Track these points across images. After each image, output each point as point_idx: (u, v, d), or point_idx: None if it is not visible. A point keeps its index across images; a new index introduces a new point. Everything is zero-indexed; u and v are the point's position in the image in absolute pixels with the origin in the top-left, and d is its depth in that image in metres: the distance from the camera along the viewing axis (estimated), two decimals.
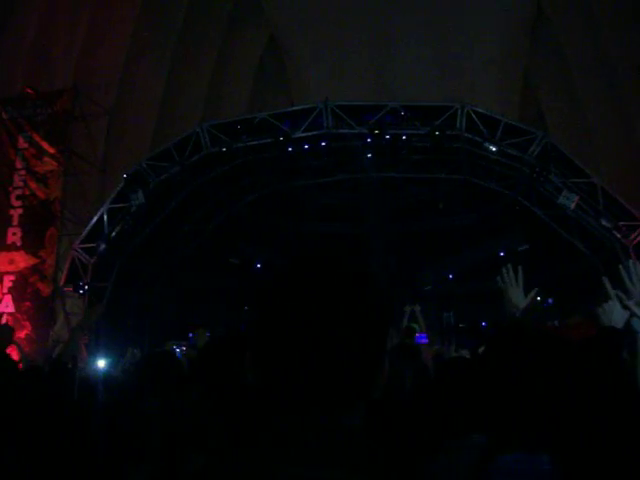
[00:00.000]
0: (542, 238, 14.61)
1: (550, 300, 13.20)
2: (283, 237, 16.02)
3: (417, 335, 9.67)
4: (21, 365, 4.98)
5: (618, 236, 13.06)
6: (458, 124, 13.17)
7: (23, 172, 15.25)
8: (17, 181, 15.31)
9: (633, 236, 12.80)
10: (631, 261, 2.75)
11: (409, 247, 15.25)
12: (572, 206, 13.20)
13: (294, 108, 13.78)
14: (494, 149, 13.28)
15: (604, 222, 13.07)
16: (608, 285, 2.62)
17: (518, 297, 3.05)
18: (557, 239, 14.11)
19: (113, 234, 13.78)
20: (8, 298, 14.72)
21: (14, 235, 15.08)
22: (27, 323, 14.41)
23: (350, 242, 15.24)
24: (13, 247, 15.00)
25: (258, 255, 16.41)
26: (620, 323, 2.41)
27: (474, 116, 13.06)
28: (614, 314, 2.44)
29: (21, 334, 13.72)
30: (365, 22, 14.89)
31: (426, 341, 7.09)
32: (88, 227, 13.87)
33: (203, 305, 15.47)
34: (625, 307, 2.49)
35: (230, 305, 15.23)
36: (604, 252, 13.60)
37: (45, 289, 14.53)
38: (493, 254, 15.23)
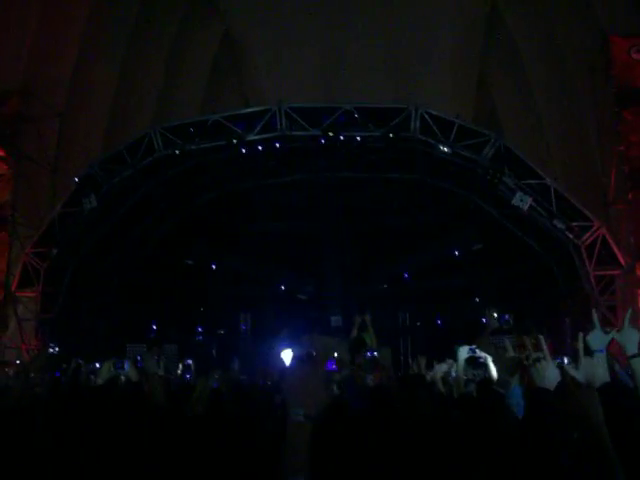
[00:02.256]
0: (496, 237, 14.69)
1: (506, 316, 13.14)
2: (238, 238, 15.93)
3: (368, 351, 9.54)
4: None
5: (571, 237, 13.16)
6: (412, 126, 13.13)
7: None
8: None
9: (585, 237, 12.90)
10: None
11: (364, 246, 15.26)
12: (526, 208, 13.28)
13: (247, 110, 13.65)
14: (448, 151, 13.27)
15: (557, 223, 13.16)
16: (544, 345, 2.62)
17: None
18: (511, 238, 14.18)
19: (66, 238, 13.58)
20: None
21: None
22: None
23: (305, 242, 15.22)
24: None
25: (213, 256, 16.32)
26: (552, 384, 2.42)
27: (428, 118, 13.01)
28: (547, 375, 2.44)
29: None
30: (320, 22, 14.78)
31: (336, 368, 7.01)
32: (40, 231, 13.66)
33: (158, 306, 15.37)
34: (559, 367, 2.51)
35: (185, 306, 15.17)
36: (557, 252, 13.74)
37: None
38: (447, 253, 15.33)
